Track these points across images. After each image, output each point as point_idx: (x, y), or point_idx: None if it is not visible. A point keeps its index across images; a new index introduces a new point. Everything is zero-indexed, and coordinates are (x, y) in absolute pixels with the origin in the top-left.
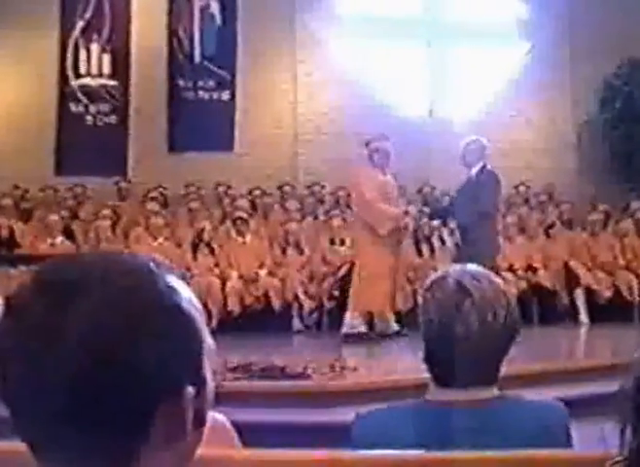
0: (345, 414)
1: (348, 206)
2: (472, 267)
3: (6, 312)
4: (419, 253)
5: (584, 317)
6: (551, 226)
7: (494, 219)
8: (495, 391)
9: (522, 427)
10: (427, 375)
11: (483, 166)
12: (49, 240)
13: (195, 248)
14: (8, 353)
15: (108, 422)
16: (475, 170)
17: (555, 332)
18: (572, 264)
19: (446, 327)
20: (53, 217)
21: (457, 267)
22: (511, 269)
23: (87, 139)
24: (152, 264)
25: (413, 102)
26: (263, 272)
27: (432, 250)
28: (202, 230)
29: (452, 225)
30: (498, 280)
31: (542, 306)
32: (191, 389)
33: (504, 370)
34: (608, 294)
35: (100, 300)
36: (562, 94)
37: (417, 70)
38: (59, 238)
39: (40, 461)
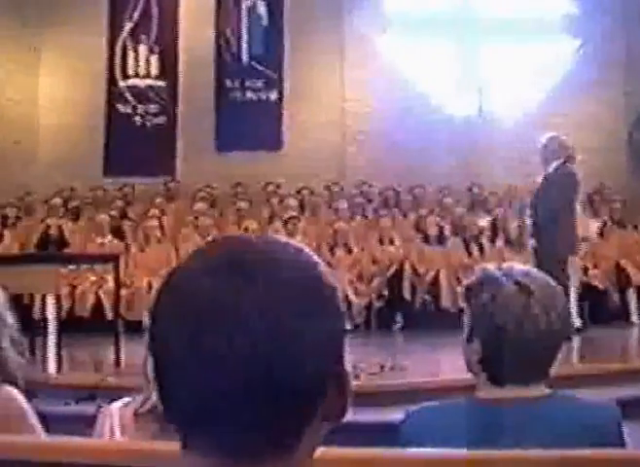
0: (395, 415)
1: (396, 206)
2: (517, 265)
3: (169, 293)
4: (469, 253)
5: (635, 317)
6: (603, 225)
7: (568, 218)
8: (546, 390)
9: (573, 426)
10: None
11: (560, 164)
12: (98, 240)
13: None
14: (173, 334)
15: (282, 402)
16: (552, 168)
17: (607, 332)
18: (623, 263)
19: (512, 328)
20: (103, 217)
21: (500, 266)
22: None
23: (135, 140)
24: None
25: (462, 100)
26: None
27: (481, 250)
28: (247, 229)
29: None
30: (549, 277)
31: (593, 306)
32: (349, 368)
33: (556, 370)
34: None
35: (274, 282)
36: (614, 92)
37: (466, 68)
38: (108, 238)
39: (194, 447)
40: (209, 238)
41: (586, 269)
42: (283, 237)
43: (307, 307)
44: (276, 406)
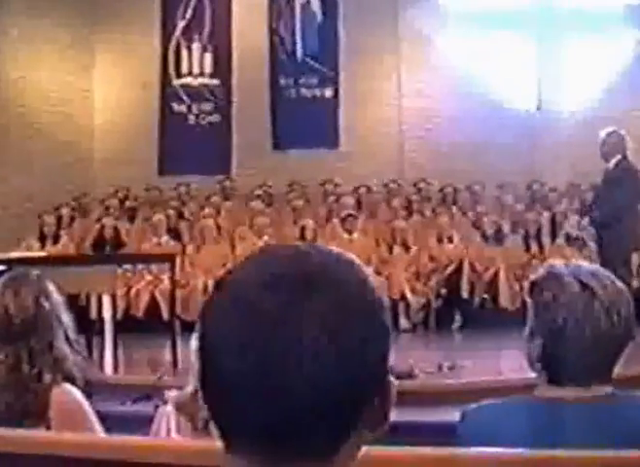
0: (452, 415)
1: (454, 203)
2: (584, 264)
3: (228, 305)
4: (527, 249)
5: None
6: None
7: (631, 215)
8: (608, 389)
9: (635, 426)
10: (534, 375)
11: (620, 160)
12: (154, 239)
13: None
14: (233, 348)
15: (334, 413)
16: (611, 164)
17: None
18: None
19: (573, 328)
20: (159, 216)
21: (566, 264)
22: None
23: (189, 139)
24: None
25: (522, 96)
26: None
27: (540, 247)
28: (304, 228)
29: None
30: (615, 278)
31: None
32: (395, 381)
33: (619, 371)
34: None
35: (335, 298)
36: None
37: (525, 63)
38: (164, 238)
39: (239, 451)
40: (261, 246)
41: None
42: (333, 247)
43: (366, 326)
44: (328, 417)
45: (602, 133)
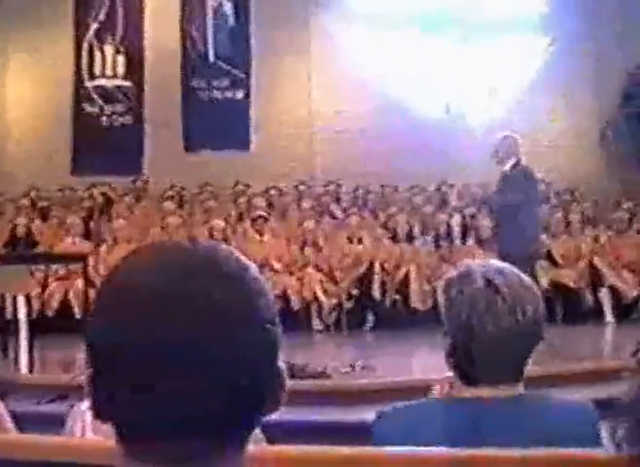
0: (366, 414)
1: (365, 204)
2: (497, 262)
3: (114, 292)
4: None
5: (609, 317)
6: (575, 224)
7: (527, 214)
8: (521, 389)
9: (549, 425)
10: (448, 374)
11: (516, 162)
12: (67, 240)
13: None
14: (121, 332)
15: (233, 404)
16: (508, 166)
17: (580, 331)
18: (596, 262)
19: (476, 324)
20: (72, 217)
21: (480, 262)
22: None
23: (102, 139)
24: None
25: (430, 99)
26: (278, 266)
27: (451, 248)
28: (212, 228)
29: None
30: (525, 277)
31: (566, 306)
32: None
33: (529, 369)
34: (634, 293)
35: (217, 284)
36: (586, 89)
37: (435, 66)
38: (77, 238)
39: (134, 451)
40: (143, 246)
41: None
42: (242, 247)
43: (251, 312)
44: (226, 409)
45: (495, 137)
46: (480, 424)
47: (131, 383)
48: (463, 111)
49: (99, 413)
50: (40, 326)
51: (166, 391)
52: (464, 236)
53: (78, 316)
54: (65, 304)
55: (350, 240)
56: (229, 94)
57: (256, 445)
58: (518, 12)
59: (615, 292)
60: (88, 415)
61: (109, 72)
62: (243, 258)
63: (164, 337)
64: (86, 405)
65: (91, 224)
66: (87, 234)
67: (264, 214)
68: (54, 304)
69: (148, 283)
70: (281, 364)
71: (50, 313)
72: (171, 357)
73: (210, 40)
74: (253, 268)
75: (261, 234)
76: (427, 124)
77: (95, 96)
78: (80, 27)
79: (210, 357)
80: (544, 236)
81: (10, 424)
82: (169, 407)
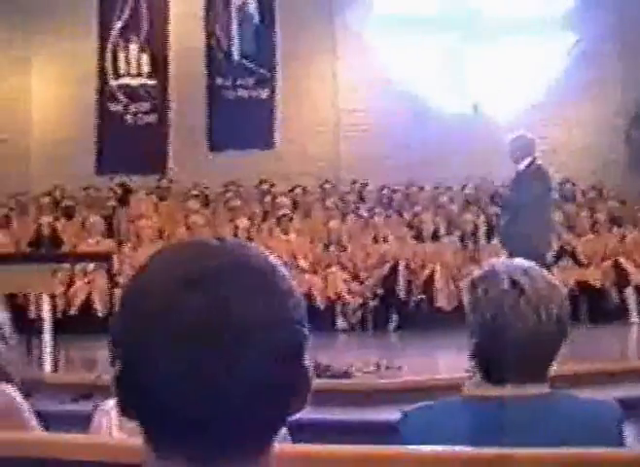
0: (390, 414)
1: (390, 203)
2: (522, 262)
3: (147, 305)
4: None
5: (634, 316)
6: (601, 223)
7: (540, 215)
8: (546, 388)
9: (574, 424)
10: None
11: (532, 162)
12: (91, 239)
13: None
14: (157, 347)
15: (266, 410)
16: (522, 165)
17: (605, 331)
18: (622, 261)
19: (501, 325)
20: (96, 216)
21: (506, 261)
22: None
23: (126, 138)
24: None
25: (457, 98)
26: (304, 264)
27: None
28: (238, 227)
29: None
30: (551, 276)
31: (591, 305)
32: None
33: (554, 369)
34: None
35: (251, 290)
36: (611, 89)
37: (462, 64)
38: (101, 237)
39: (163, 450)
40: (165, 246)
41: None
42: (240, 239)
43: (287, 315)
44: (253, 408)
45: (510, 137)
46: (506, 423)
47: (158, 382)
48: (490, 110)
49: (125, 411)
50: (64, 325)
51: (193, 389)
52: (489, 235)
53: (101, 315)
54: (88, 303)
55: (375, 239)
56: (253, 93)
57: (281, 443)
58: (545, 11)
59: None
60: (114, 414)
61: (133, 71)
62: (272, 256)
63: (187, 335)
64: (111, 403)
65: (116, 223)
66: (109, 234)
67: (288, 213)
68: (78, 303)
69: (176, 282)
70: (308, 363)
71: (73, 312)
72: (198, 355)
73: (235, 38)
74: (281, 266)
75: (285, 233)
76: (453, 122)
77: (120, 95)
78: (104, 26)
79: (236, 356)
80: (554, 237)
81: (34, 423)
82: (196, 405)
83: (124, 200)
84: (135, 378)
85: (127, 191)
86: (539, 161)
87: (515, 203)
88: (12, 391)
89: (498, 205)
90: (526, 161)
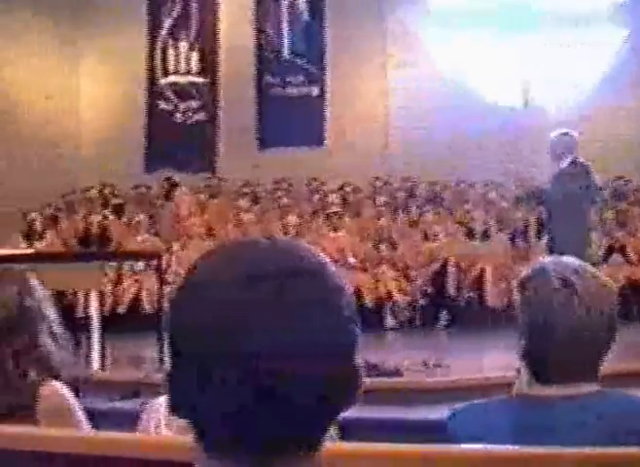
0: (438, 412)
1: (440, 201)
2: (571, 260)
3: (202, 304)
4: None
5: None
6: None
7: (575, 214)
8: (596, 387)
9: (624, 423)
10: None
11: (574, 159)
12: (140, 237)
13: None
14: (212, 345)
15: (321, 410)
16: (566, 163)
17: None
18: None
19: (552, 324)
20: (145, 214)
21: (555, 260)
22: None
23: (176, 136)
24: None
25: (508, 94)
26: (353, 261)
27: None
28: (286, 225)
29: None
30: (601, 274)
31: None
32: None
33: (604, 368)
34: None
35: (311, 292)
36: None
37: (512, 60)
38: (150, 235)
39: (215, 449)
40: (222, 244)
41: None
42: (290, 238)
43: (343, 318)
44: (306, 407)
45: (552, 135)
46: (555, 423)
47: (209, 380)
48: (541, 105)
49: (176, 410)
50: (112, 323)
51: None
52: (539, 233)
53: (149, 313)
54: (137, 301)
55: (425, 237)
56: (303, 90)
57: (330, 441)
58: (595, 5)
59: None
60: (163, 412)
61: (183, 69)
62: (322, 255)
63: (245, 335)
64: (160, 401)
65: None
66: (157, 232)
67: (339, 210)
68: (126, 301)
69: (228, 281)
70: (359, 362)
71: (121, 310)
72: (250, 355)
73: (285, 36)
74: (331, 265)
75: (335, 231)
76: (504, 118)
77: (169, 93)
78: (153, 24)
79: (290, 355)
80: (595, 236)
81: (85, 421)
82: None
83: (169, 196)
84: (185, 376)
85: (174, 185)
86: (581, 159)
87: (553, 201)
88: (65, 391)
89: (539, 202)
90: (569, 159)
